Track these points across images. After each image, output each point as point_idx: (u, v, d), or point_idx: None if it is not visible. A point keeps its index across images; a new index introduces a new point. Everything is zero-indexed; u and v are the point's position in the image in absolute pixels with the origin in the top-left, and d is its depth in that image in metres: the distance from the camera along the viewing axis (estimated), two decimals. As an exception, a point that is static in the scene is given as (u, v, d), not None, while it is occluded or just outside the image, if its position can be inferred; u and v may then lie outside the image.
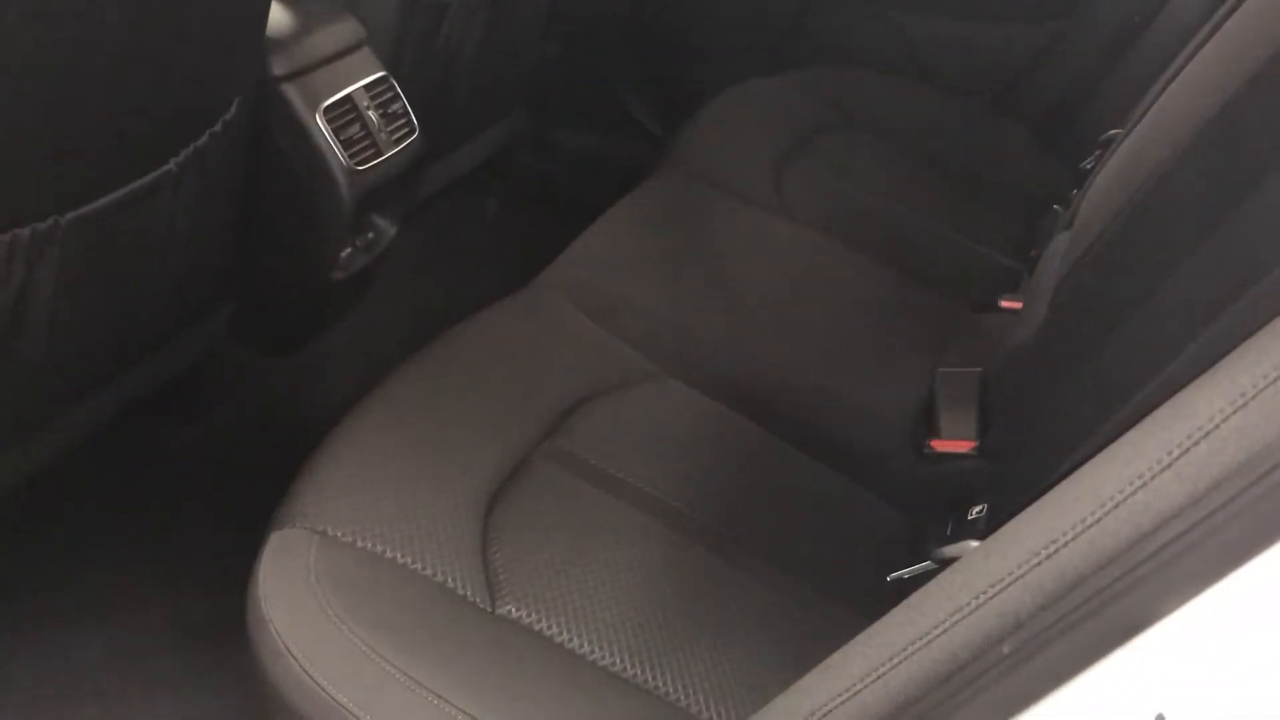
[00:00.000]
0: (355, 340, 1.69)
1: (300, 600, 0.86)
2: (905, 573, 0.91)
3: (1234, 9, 1.10)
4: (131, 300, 1.19)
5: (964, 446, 1.14)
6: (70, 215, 1.03)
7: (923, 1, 1.91)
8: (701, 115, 1.68)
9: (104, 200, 1.06)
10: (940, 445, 1.15)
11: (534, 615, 0.92)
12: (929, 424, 1.18)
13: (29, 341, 1.05)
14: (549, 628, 0.91)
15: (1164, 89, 1.17)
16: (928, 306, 1.41)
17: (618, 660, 0.91)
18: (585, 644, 0.91)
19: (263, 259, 1.40)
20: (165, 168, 1.12)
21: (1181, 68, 1.17)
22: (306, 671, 0.81)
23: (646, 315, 1.27)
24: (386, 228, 1.54)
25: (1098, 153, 1.35)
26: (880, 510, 1.16)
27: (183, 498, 1.43)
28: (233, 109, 1.20)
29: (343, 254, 1.47)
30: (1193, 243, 0.87)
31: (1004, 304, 1.35)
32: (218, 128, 1.18)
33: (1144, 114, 1.18)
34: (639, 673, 0.90)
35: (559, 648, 0.91)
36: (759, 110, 1.71)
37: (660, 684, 0.90)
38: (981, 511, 1.02)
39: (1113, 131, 1.31)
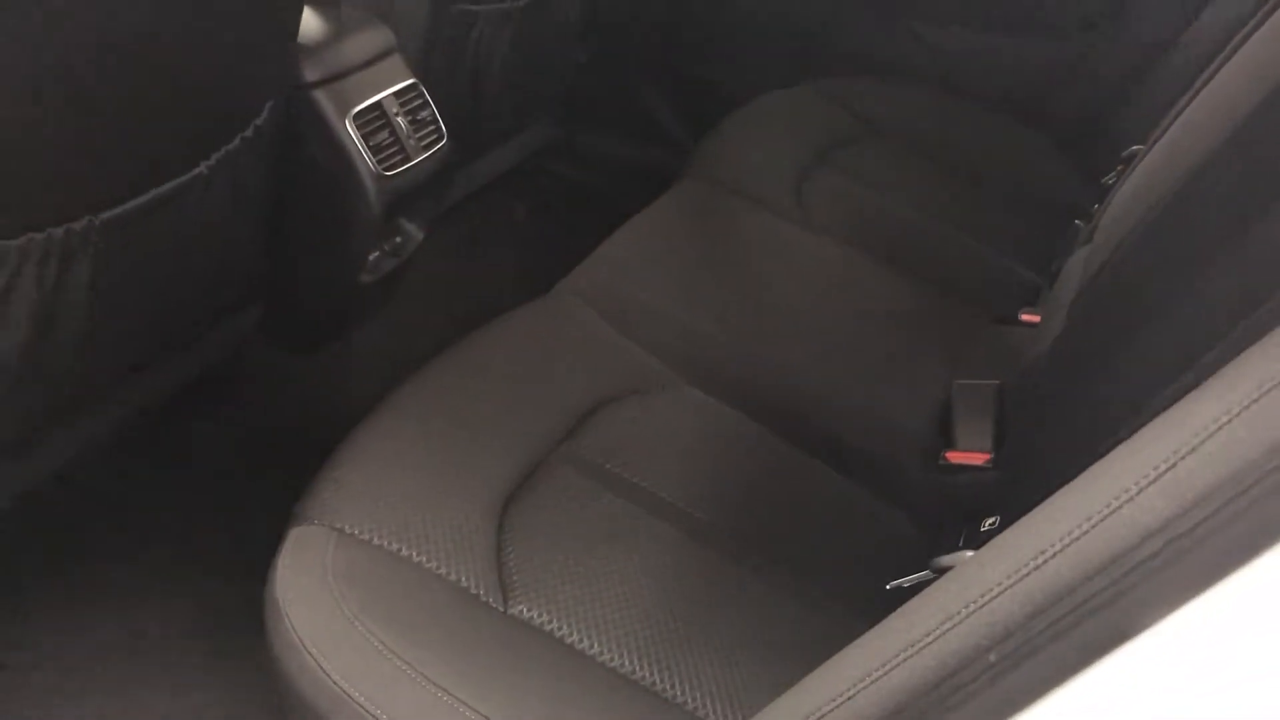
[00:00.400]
0: (383, 341, 1.72)
1: (317, 596, 0.88)
2: (905, 581, 0.91)
3: (1257, 27, 1.10)
4: (162, 299, 1.22)
5: (979, 459, 1.14)
6: (103, 216, 1.05)
7: (949, 13, 1.91)
8: (725, 125, 1.69)
9: (136, 202, 1.09)
10: (955, 457, 1.15)
11: (545, 616, 0.93)
12: (945, 435, 1.19)
13: (62, 338, 1.08)
14: (560, 628, 0.93)
15: (1186, 105, 1.18)
16: (947, 317, 1.41)
17: (627, 662, 0.92)
18: (595, 645, 0.93)
19: (291, 261, 1.42)
20: (196, 171, 1.15)
21: (1205, 84, 1.17)
22: (320, 666, 0.83)
23: (665, 322, 1.29)
24: (414, 232, 1.57)
25: (1119, 168, 1.35)
26: (894, 519, 1.17)
27: (208, 492, 1.46)
28: (264, 114, 1.22)
29: (370, 257, 1.49)
30: (1207, 258, 0.88)
31: (1024, 317, 1.35)
32: (248, 132, 1.21)
33: (1166, 130, 1.18)
34: (647, 674, 0.92)
35: (569, 648, 0.92)
36: (783, 120, 1.72)
37: (668, 686, 0.91)
38: (994, 523, 1.03)
39: (1134, 148, 1.32)
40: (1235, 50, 1.14)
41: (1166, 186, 1.03)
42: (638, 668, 0.92)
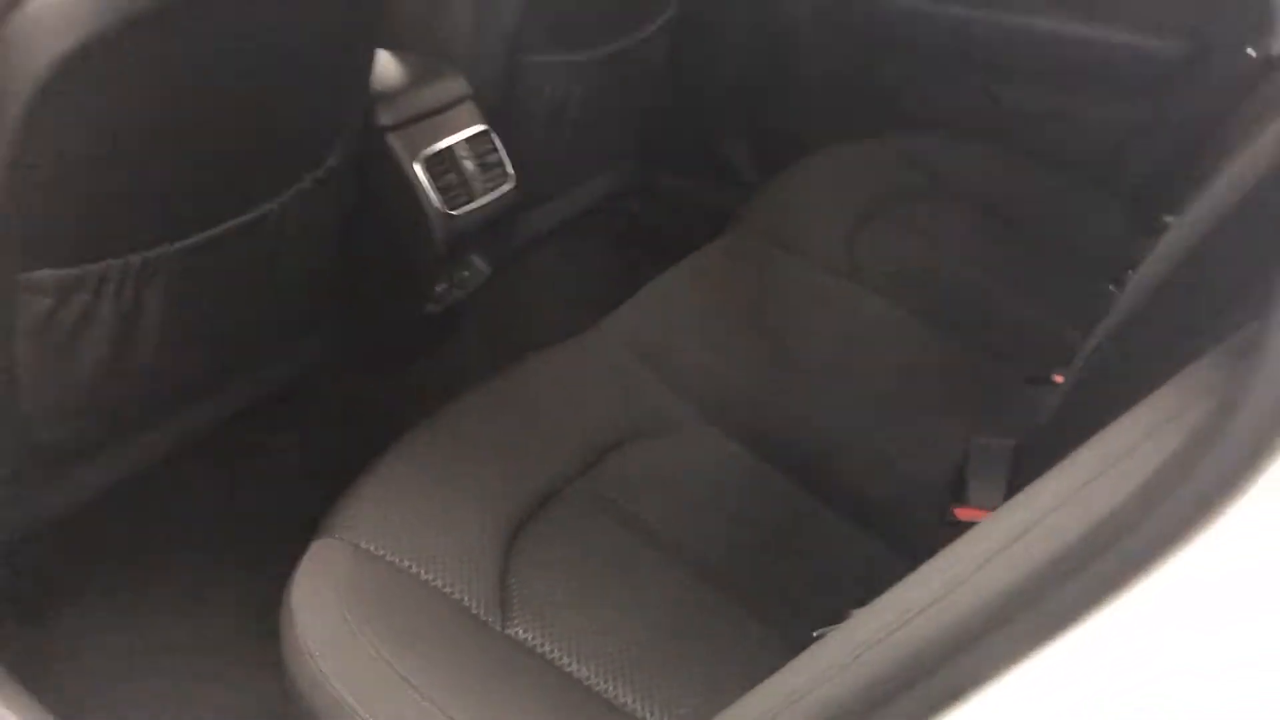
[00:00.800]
0: (456, 368, 1.81)
1: (326, 605, 0.96)
2: (829, 629, 0.95)
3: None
4: (233, 320, 1.32)
5: (985, 516, 1.16)
6: (178, 245, 1.17)
7: (1025, 73, 1.93)
8: (787, 174, 1.74)
9: (209, 233, 1.20)
10: (963, 513, 1.17)
11: (539, 638, 1.00)
12: (957, 491, 1.21)
13: (136, 354, 1.19)
14: (551, 651, 0.99)
15: (1217, 176, 1.18)
16: (979, 375, 1.43)
17: (612, 687, 0.98)
18: (584, 669, 0.99)
19: (361, 290, 1.53)
20: (268, 206, 1.26)
21: (1237, 153, 1.18)
22: (320, 668, 0.91)
23: (695, 365, 1.34)
24: (482, 267, 1.66)
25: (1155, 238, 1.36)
26: (899, 571, 1.19)
27: (272, 502, 1.56)
28: (334, 157, 1.32)
29: (438, 289, 1.59)
30: (1204, 330, 0.90)
31: (1056, 378, 1.36)
32: (320, 173, 1.31)
33: (1195, 200, 1.19)
34: (630, 701, 0.97)
35: (558, 670, 0.98)
36: (845, 172, 1.76)
37: (649, 715, 0.96)
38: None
39: (1168, 218, 1.32)
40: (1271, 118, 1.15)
41: (1173, 258, 1.04)
42: (621, 693, 0.98)
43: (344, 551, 1.01)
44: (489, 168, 1.55)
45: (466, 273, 1.64)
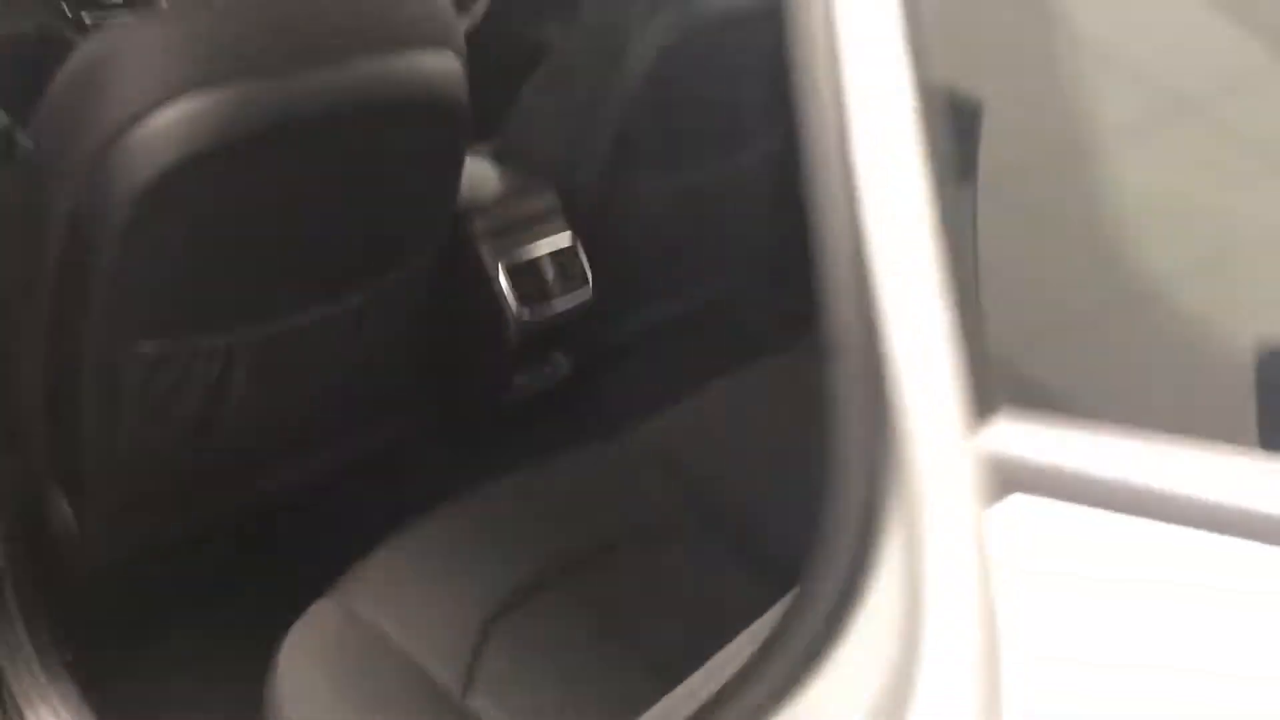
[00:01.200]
0: (538, 452, 1.94)
1: (306, 663, 1.11)
2: None
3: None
4: (315, 400, 1.51)
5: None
6: (264, 329, 1.36)
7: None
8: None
9: (293, 321, 1.38)
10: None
11: (493, 711, 1.11)
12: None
13: (225, 418, 1.39)
14: (501, 726, 1.10)
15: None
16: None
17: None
18: (529, 747, 1.09)
19: (442, 378, 1.69)
20: (351, 301, 1.43)
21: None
22: (285, 712, 1.06)
23: (712, 477, 1.43)
24: (563, 363, 1.80)
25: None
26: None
27: (354, 561, 1.73)
28: (418, 259, 1.50)
29: (516, 380, 1.74)
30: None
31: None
32: (403, 274, 1.48)
33: None
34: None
35: (503, 745, 1.09)
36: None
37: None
38: None
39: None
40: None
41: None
42: (555, 774, 1.08)
43: (337, 614, 1.16)
44: (570, 276, 1.69)
45: (547, 368, 1.78)
